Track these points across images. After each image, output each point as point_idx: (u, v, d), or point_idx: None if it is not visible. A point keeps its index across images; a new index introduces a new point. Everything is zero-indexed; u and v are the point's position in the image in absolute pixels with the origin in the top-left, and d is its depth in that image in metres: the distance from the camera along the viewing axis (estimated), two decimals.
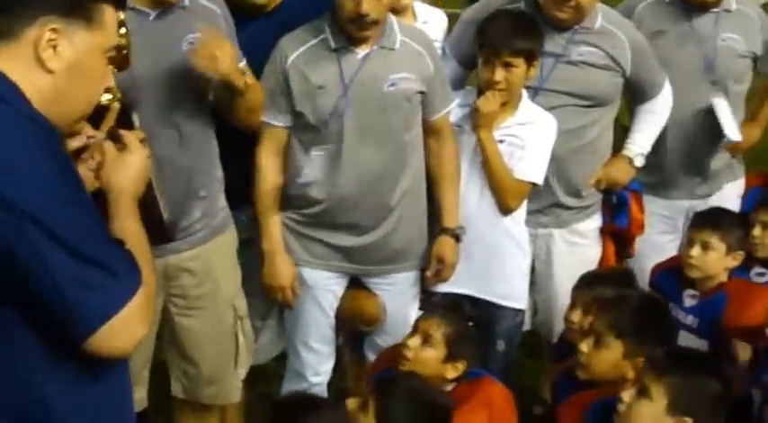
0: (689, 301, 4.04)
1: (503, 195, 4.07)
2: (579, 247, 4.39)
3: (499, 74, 3.96)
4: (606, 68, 4.22)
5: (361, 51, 3.79)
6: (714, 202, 4.77)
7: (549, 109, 4.15)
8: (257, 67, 3.77)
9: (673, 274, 4.15)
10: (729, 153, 4.86)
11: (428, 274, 4.06)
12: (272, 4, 3.95)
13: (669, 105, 4.49)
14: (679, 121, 4.64)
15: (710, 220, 4.12)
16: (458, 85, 4.26)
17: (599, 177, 4.37)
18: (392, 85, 3.81)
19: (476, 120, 4.02)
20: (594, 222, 4.44)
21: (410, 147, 3.92)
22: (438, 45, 4.35)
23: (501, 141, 4.05)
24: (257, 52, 3.76)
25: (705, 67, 4.67)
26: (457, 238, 4.03)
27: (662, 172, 4.77)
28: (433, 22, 4.38)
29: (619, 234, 4.49)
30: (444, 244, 4.02)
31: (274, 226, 3.90)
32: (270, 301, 4.04)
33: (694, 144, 4.74)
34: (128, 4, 3.37)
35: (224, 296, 3.78)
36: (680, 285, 4.07)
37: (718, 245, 4.02)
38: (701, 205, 4.75)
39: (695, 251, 4.02)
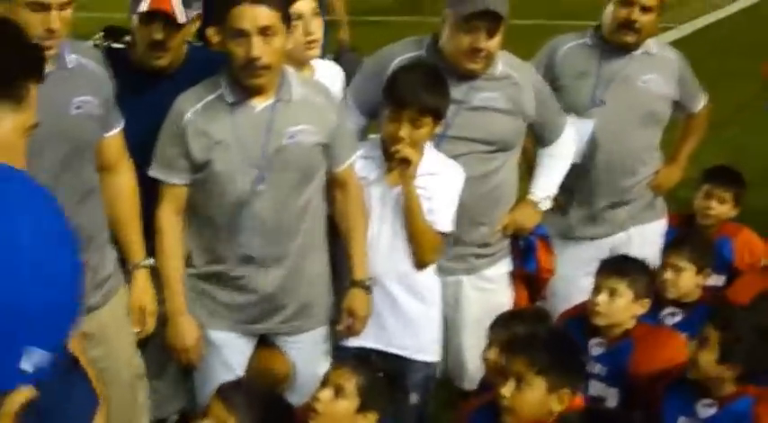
0: (596, 350, 4.04)
1: (422, 249, 4.02)
2: (488, 293, 4.37)
3: (405, 130, 3.91)
4: (509, 113, 4.22)
5: (259, 104, 3.73)
6: (636, 243, 4.84)
7: (454, 156, 4.13)
8: (153, 127, 3.74)
9: (578, 322, 4.15)
10: (652, 192, 4.92)
11: (339, 327, 4.00)
12: (174, 65, 3.92)
13: (572, 148, 4.53)
14: (601, 160, 4.72)
15: (617, 267, 4.13)
16: (359, 135, 4.23)
17: (506, 223, 4.36)
18: (291, 137, 3.75)
19: (404, 171, 3.95)
20: (503, 267, 4.42)
21: (312, 200, 3.87)
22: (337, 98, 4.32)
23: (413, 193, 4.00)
24: (159, 114, 3.74)
25: (626, 107, 4.73)
26: (367, 290, 3.98)
27: (584, 211, 4.83)
28: (331, 76, 4.33)
29: (529, 279, 4.49)
30: (355, 297, 3.97)
31: (177, 286, 3.83)
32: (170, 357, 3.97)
33: (617, 182, 4.80)
34: None
35: (120, 356, 3.73)
36: (586, 334, 4.07)
37: (625, 292, 4.03)
38: (623, 243, 4.81)
39: (602, 298, 4.03)
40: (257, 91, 3.71)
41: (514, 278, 4.47)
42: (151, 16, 3.78)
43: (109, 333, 3.68)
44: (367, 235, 4.01)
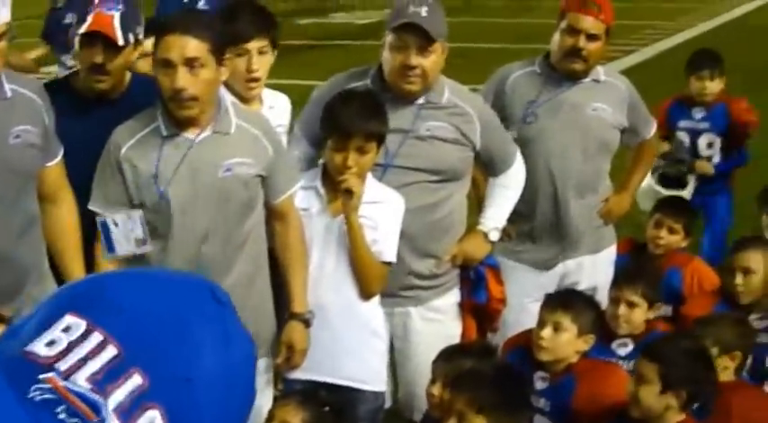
0: (540, 384, 4.01)
1: (367, 280, 4.00)
2: (437, 324, 4.33)
3: (352, 158, 3.89)
4: (455, 143, 4.21)
5: (193, 137, 3.70)
6: (587, 269, 4.86)
7: (400, 186, 4.11)
8: (95, 152, 3.70)
9: (523, 352, 4.12)
10: (602, 219, 4.92)
11: (278, 361, 3.96)
12: (117, 90, 3.90)
13: (521, 178, 4.50)
14: (550, 188, 4.72)
15: (563, 301, 4.11)
16: (309, 165, 4.19)
17: (454, 253, 4.33)
18: (227, 170, 3.72)
19: (347, 202, 3.93)
20: (452, 298, 4.39)
21: (251, 232, 3.83)
22: (283, 130, 4.29)
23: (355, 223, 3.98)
24: (99, 141, 3.70)
25: (576, 136, 4.73)
26: (306, 323, 3.94)
27: (533, 238, 4.82)
28: (279, 107, 4.30)
29: (479, 310, 4.46)
30: (293, 330, 3.92)
31: None
32: None
33: (564, 210, 4.79)
34: None
35: None
36: (531, 366, 4.04)
37: (569, 326, 4.00)
38: (574, 271, 4.81)
39: (546, 332, 3.99)
40: (189, 123, 3.66)
41: (463, 309, 4.43)
42: (91, 39, 3.77)
43: None
44: (307, 267, 3.97)
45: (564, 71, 4.74)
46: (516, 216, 4.61)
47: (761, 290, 4.58)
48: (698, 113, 6.36)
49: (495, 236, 4.43)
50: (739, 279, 4.56)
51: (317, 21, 22.42)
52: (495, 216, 4.45)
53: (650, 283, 4.46)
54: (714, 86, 6.33)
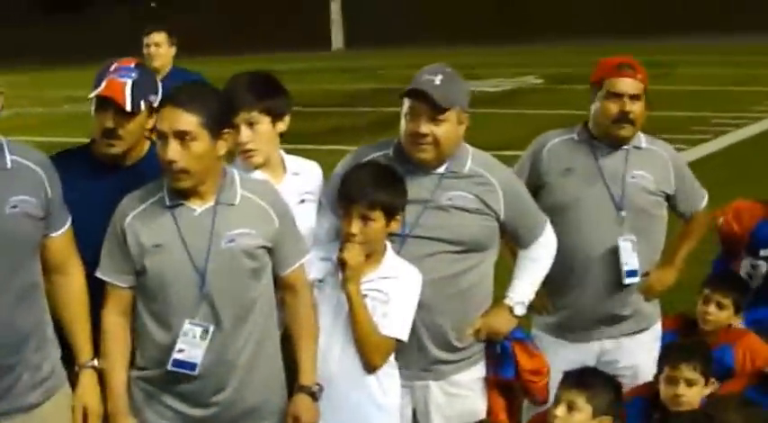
0: None
1: (368, 353, 3.94)
2: (460, 399, 4.23)
3: (355, 226, 3.89)
4: (477, 212, 4.12)
5: (198, 207, 3.71)
6: (626, 349, 4.68)
7: (421, 257, 4.05)
8: (108, 218, 3.74)
9: None
10: (643, 296, 4.74)
11: None
12: (132, 157, 3.97)
13: (551, 251, 4.37)
14: (586, 260, 4.57)
15: (579, 379, 3.99)
16: (334, 236, 4.16)
17: (478, 327, 4.22)
18: (230, 241, 3.71)
19: (343, 273, 3.91)
20: (476, 372, 4.28)
21: (257, 302, 3.79)
22: (313, 197, 4.26)
23: (364, 296, 3.94)
24: (113, 206, 3.75)
25: (614, 205, 4.59)
26: (313, 396, 3.88)
27: (568, 313, 4.67)
28: (306, 174, 4.26)
29: (508, 386, 4.32)
30: (300, 402, 3.87)
31: (119, 387, 3.77)
32: None
33: (602, 285, 4.64)
34: None
35: None
36: None
37: (584, 407, 3.86)
38: (613, 349, 4.65)
39: (560, 411, 3.85)
40: (191, 193, 3.69)
41: (489, 385, 4.30)
42: (102, 103, 3.85)
43: None
44: (317, 339, 3.93)
45: (612, 139, 4.61)
46: (552, 289, 4.48)
47: None
48: None
49: (520, 310, 4.30)
50: None
51: None
52: (522, 290, 4.33)
53: (707, 360, 4.34)
54: None
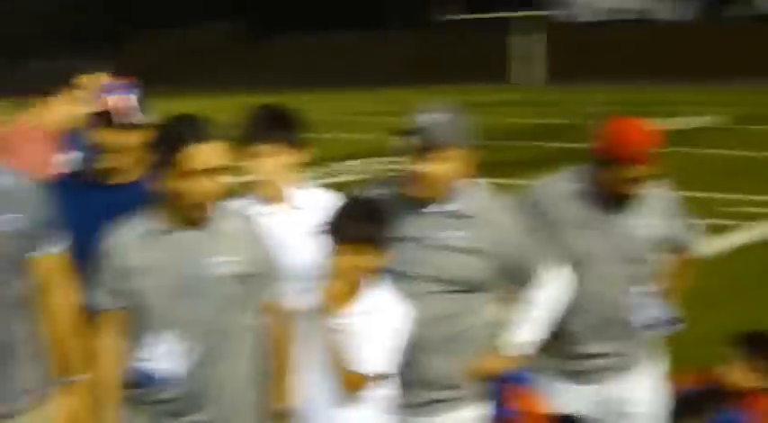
0: None
1: (340, 385, 3.98)
2: None
3: (343, 261, 3.94)
4: (470, 253, 4.11)
5: (184, 234, 3.84)
6: (630, 387, 4.60)
7: (415, 294, 4.07)
8: (94, 235, 3.90)
9: None
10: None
11: None
12: (129, 175, 4.17)
13: (552, 295, 4.33)
14: (592, 307, 4.50)
15: None
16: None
17: (473, 368, 4.22)
18: (214, 267, 3.83)
19: (319, 306, 3.98)
20: (476, 411, 4.26)
21: (239, 328, 3.90)
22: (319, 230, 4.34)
23: (341, 330, 3.98)
24: (105, 222, 3.91)
25: (622, 254, 4.50)
26: (285, 420, 3.98)
27: (574, 357, 4.60)
28: (312, 207, 4.33)
29: None
30: None
31: (112, 406, 3.92)
32: None
33: (608, 332, 4.56)
34: None
35: None
36: None
37: None
38: (624, 389, 4.59)
39: None
40: (182, 220, 3.84)
41: None
42: (102, 119, 4.06)
43: None
44: (293, 365, 4.01)
45: (612, 195, 4.48)
46: (558, 332, 4.45)
47: None
48: None
49: (515, 352, 4.27)
50: None
51: None
52: (518, 333, 4.30)
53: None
54: None
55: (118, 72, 5.31)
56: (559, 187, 4.57)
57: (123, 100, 4.06)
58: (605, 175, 4.41)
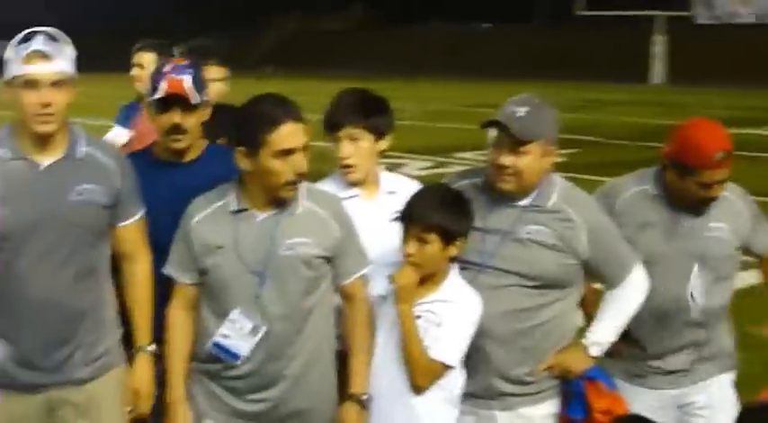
0: None
1: (413, 374, 3.97)
2: None
3: (411, 247, 3.94)
4: (555, 249, 4.07)
5: (261, 214, 3.89)
6: (704, 389, 4.50)
7: (494, 287, 4.06)
8: (170, 212, 3.98)
9: None
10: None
11: None
12: (192, 154, 4.25)
13: (637, 295, 4.25)
14: (662, 310, 4.40)
15: None
16: None
17: (550, 364, 4.18)
18: (288, 249, 3.87)
19: (395, 292, 3.99)
20: (547, 408, 4.22)
21: (314, 310, 3.94)
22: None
23: (418, 317, 3.98)
24: (172, 202, 3.99)
25: (692, 259, 4.40)
26: (362, 405, 3.99)
27: (644, 361, 4.51)
28: (402, 194, 4.34)
29: None
30: (348, 409, 4.00)
31: (179, 379, 3.99)
32: None
33: (677, 335, 4.46)
34: (19, 155, 3.73)
35: None
36: None
37: None
38: (691, 394, 4.50)
39: None
40: (256, 202, 3.89)
41: None
42: (166, 102, 4.12)
43: (96, 406, 3.95)
44: (371, 350, 4.03)
45: (684, 201, 4.37)
46: (631, 335, 4.37)
47: None
48: None
49: (595, 351, 4.22)
50: None
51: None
52: (600, 331, 4.24)
53: None
54: None
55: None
56: (635, 188, 4.47)
57: (182, 81, 4.12)
58: (680, 178, 4.31)
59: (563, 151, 17.20)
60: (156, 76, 4.16)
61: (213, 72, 5.89)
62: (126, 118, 6.49)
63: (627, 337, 4.39)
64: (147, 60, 6.41)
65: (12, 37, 3.76)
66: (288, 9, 58.21)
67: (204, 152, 4.27)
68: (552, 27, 49.15)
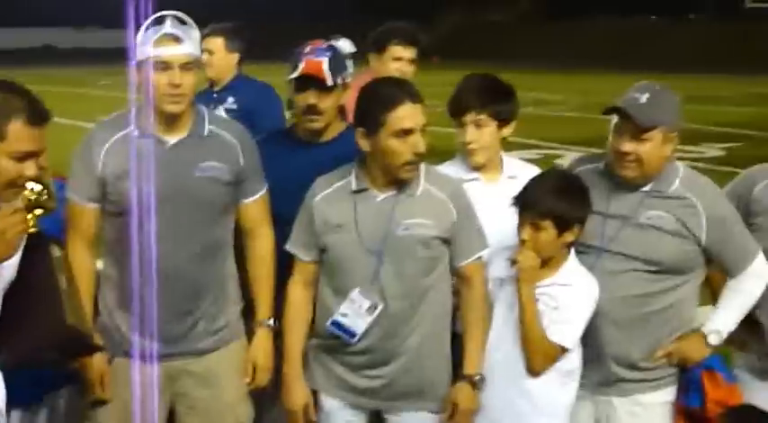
0: None
1: (531, 356, 4.00)
2: (641, 420, 4.17)
3: (526, 232, 3.97)
4: (676, 235, 4.04)
5: (381, 194, 3.97)
6: None
7: (614, 272, 4.06)
8: (306, 191, 4.07)
9: None
10: None
11: (443, 417, 4.07)
12: (329, 134, 4.36)
13: (758, 285, 4.18)
14: None
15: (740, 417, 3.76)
16: None
17: (669, 351, 4.15)
18: (406, 229, 3.94)
19: (518, 275, 4.01)
20: (664, 396, 4.20)
21: (430, 290, 4.00)
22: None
23: (536, 300, 4.01)
24: (305, 178, 4.09)
25: None
26: (475, 386, 4.03)
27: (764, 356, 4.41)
28: (523, 178, 4.36)
29: (694, 415, 4.20)
30: (460, 389, 4.04)
31: (296, 354, 4.11)
32: None
33: None
34: (148, 133, 3.90)
35: (225, 402, 4.11)
36: None
37: None
38: None
39: None
40: (376, 182, 3.97)
41: (677, 412, 4.21)
42: (304, 82, 4.23)
43: (216, 377, 4.10)
44: (486, 331, 4.07)
45: None
46: (752, 326, 4.30)
47: None
48: None
49: (714, 340, 4.17)
50: None
51: None
52: (721, 320, 4.19)
53: None
54: None
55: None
56: (765, 177, 4.38)
57: (320, 63, 4.23)
58: None
59: (732, 144, 16.66)
60: (297, 57, 4.29)
61: (398, 52, 5.93)
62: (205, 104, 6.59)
63: (756, 330, 4.32)
64: (214, 46, 6.53)
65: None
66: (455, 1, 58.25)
67: (343, 133, 4.37)
68: (721, 20, 47.87)
